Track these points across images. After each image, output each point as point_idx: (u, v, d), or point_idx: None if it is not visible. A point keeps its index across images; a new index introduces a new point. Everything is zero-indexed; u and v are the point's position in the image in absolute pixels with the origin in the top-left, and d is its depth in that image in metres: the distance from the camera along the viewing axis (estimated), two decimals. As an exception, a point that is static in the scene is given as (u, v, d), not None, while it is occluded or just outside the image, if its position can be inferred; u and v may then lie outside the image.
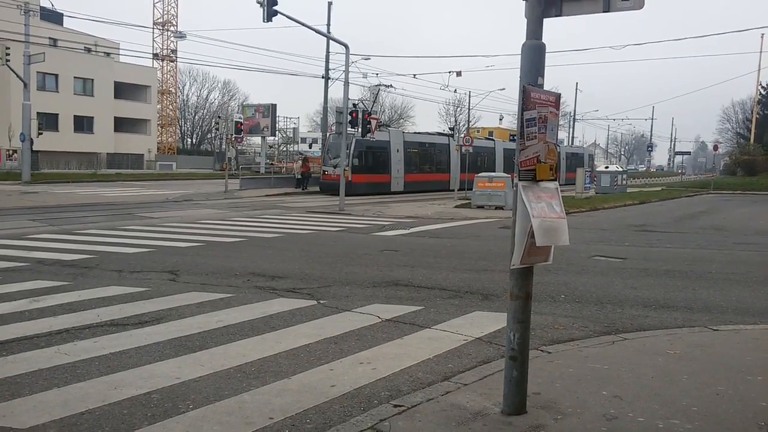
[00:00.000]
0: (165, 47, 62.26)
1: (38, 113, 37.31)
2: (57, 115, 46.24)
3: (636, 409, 4.05)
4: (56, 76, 46.28)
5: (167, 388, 4.43)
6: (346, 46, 22.57)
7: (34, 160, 33.99)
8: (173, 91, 66.57)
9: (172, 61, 63.16)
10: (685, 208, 26.87)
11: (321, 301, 7.25)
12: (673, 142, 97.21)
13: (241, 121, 36.19)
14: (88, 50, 49.69)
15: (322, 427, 3.85)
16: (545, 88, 3.78)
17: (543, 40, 3.76)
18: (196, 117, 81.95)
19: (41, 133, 34.92)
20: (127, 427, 3.80)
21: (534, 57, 3.74)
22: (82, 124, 49.06)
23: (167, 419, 3.92)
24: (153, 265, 9.43)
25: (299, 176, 32.64)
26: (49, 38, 41.45)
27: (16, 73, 31.11)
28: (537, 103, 3.69)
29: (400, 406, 4.05)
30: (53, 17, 45.14)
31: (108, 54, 51.76)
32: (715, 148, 56.92)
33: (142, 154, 54.96)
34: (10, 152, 39.84)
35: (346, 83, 22.53)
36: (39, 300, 6.94)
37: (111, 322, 6.12)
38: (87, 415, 3.96)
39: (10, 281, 7.94)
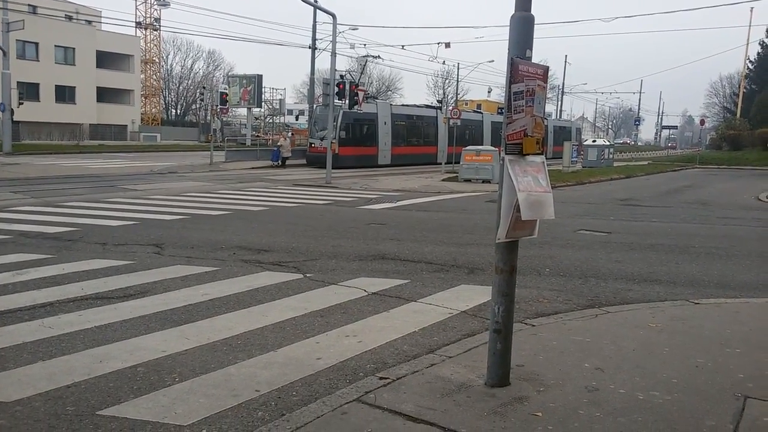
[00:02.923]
0: (148, 15, 61.00)
1: (18, 83, 36.54)
2: (38, 84, 45.31)
3: (617, 380, 4.12)
4: (36, 44, 45.21)
5: (153, 362, 4.43)
6: (333, 16, 22.24)
7: (15, 130, 33.34)
8: (157, 60, 65.44)
9: (155, 30, 62.01)
10: (670, 182, 27.08)
11: (307, 275, 7.25)
12: (660, 116, 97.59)
13: (227, 92, 35.68)
14: (69, 18, 48.51)
15: (308, 399, 3.88)
16: (534, 60, 3.74)
17: (532, 12, 3.72)
18: (181, 87, 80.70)
19: (22, 103, 34.25)
20: (113, 399, 3.80)
21: (522, 29, 3.69)
22: (64, 94, 48.13)
23: (153, 392, 3.93)
24: (137, 238, 9.37)
25: (289, 154, 30.06)
26: (29, 5, 40.37)
27: (-6, 41, 30.34)
28: (525, 76, 3.66)
29: (386, 378, 4.09)
30: (32, -17, 43.93)
31: (89, 22, 50.59)
32: (702, 122, 57.30)
33: (126, 125, 54.16)
34: (-10, 123, 39.06)
35: (333, 54, 22.26)
36: (22, 273, 6.87)
37: (95, 296, 6.09)
38: (73, 388, 3.96)
39: (-8, 254, 7.85)
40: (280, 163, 29.66)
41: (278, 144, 30.64)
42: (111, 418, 3.57)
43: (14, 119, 32.17)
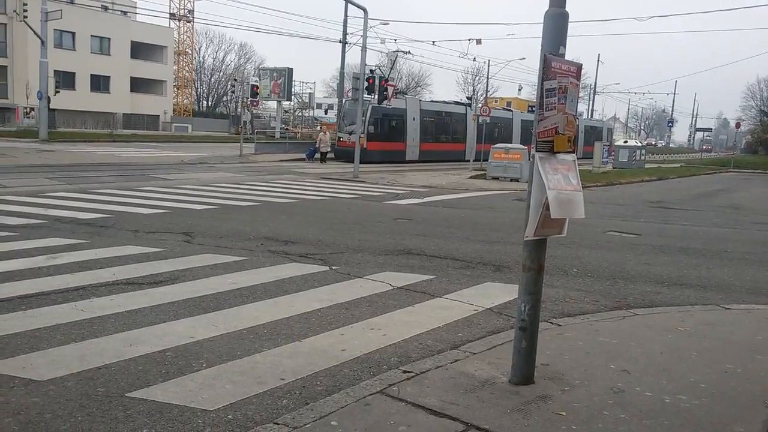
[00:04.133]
0: (182, 7, 61.75)
1: (55, 71, 37.34)
2: (74, 73, 46.26)
3: (643, 383, 4.07)
4: (73, 34, 46.14)
5: (181, 347, 4.51)
6: (365, 10, 22.24)
7: (51, 118, 34.13)
8: (189, 52, 66.21)
9: (188, 22, 62.69)
10: (703, 185, 26.54)
11: (333, 267, 7.30)
12: (694, 118, 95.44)
13: (257, 84, 35.96)
14: (105, 8, 49.45)
15: (332, 389, 3.92)
16: (567, 58, 3.71)
17: (566, 9, 3.68)
18: (212, 79, 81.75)
19: (58, 92, 34.97)
20: (141, 382, 3.89)
21: (556, 25, 3.66)
22: (99, 83, 49.06)
23: (181, 376, 4.01)
24: (168, 226, 9.53)
25: (328, 149, 29.26)
26: (67, -5, 41.28)
27: (33, 30, 31.08)
28: (558, 73, 3.63)
29: (409, 372, 4.10)
30: (70, -26, 44.87)
31: (125, 13, 51.47)
32: (738, 125, 55.82)
33: (158, 116, 54.99)
34: (28, 110, 40.02)
35: (364, 48, 22.26)
36: (56, 257, 7.05)
37: (127, 281, 6.22)
38: (103, 369, 4.06)
39: (27, 238, 8.07)
40: (319, 158, 28.91)
41: (318, 139, 29.57)
42: (140, 400, 3.65)
43: (50, 107, 32.91)
